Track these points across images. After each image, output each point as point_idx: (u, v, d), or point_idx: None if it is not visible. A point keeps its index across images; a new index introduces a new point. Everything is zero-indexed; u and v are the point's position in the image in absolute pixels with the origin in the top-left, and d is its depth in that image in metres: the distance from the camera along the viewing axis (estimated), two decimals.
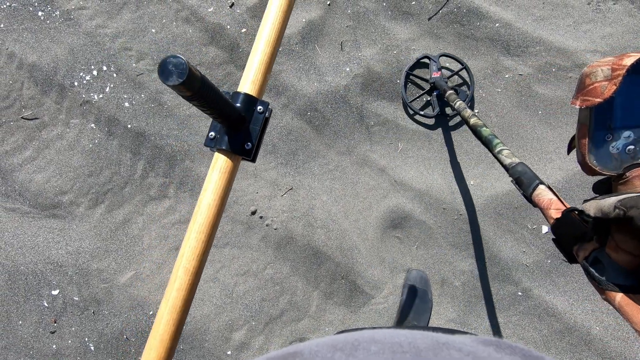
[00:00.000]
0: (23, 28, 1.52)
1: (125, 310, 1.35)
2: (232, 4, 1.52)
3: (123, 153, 1.45)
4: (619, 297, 0.38)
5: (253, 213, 1.41)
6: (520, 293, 1.35)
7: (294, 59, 1.49)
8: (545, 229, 1.38)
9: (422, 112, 1.44)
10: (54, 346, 1.33)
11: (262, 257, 1.38)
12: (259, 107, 0.47)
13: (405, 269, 1.37)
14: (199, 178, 1.43)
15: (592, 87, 0.43)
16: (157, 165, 1.44)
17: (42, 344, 1.33)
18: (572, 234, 0.46)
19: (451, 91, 1.18)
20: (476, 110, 1.46)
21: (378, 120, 1.47)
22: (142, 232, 1.41)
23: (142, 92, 1.48)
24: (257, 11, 1.52)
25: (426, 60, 1.47)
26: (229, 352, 1.32)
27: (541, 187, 0.57)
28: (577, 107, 0.45)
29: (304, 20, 1.51)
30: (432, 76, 1.42)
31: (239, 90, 0.47)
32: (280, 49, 1.39)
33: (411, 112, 1.46)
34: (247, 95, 0.47)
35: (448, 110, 1.46)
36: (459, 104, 1.06)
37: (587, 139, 0.45)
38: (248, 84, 0.47)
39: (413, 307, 1.25)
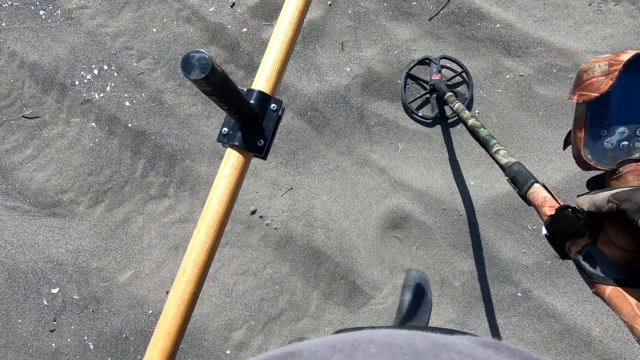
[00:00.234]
0: (24, 27, 1.53)
1: (125, 309, 1.35)
2: (233, 4, 1.52)
3: (123, 152, 1.45)
4: (609, 290, 0.39)
5: (253, 212, 1.41)
6: (520, 294, 1.34)
7: (294, 59, 1.49)
8: (545, 230, 1.38)
9: (420, 114, 1.44)
10: (54, 344, 1.34)
11: (262, 256, 1.38)
12: (272, 105, 0.48)
13: (404, 269, 1.37)
14: (199, 177, 1.44)
15: (589, 82, 0.44)
16: (158, 164, 1.44)
17: (41, 343, 1.34)
18: (566, 231, 0.47)
19: (450, 93, 1.19)
20: (476, 111, 1.46)
21: (378, 120, 1.47)
22: (142, 231, 1.41)
23: (142, 91, 1.48)
24: (258, 11, 1.52)
25: (427, 61, 1.47)
26: (228, 352, 1.32)
27: (536, 185, 0.58)
28: (574, 101, 0.45)
29: (304, 20, 1.51)
30: (432, 78, 1.42)
31: (252, 87, 0.48)
32: None
33: (410, 113, 1.46)
34: (261, 93, 0.47)
35: (448, 112, 1.46)
36: (457, 105, 1.07)
37: (582, 133, 0.46)
38: (262, 81, 0.48)
39: (412, 308, 1.25)
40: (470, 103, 1.46)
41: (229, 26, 1.51)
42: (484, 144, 0.80)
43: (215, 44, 1.50)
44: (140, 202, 1.42)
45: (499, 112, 1.45)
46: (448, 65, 1.47)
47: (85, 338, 1.34)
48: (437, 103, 1.44)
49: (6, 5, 1.54)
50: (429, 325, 1.25)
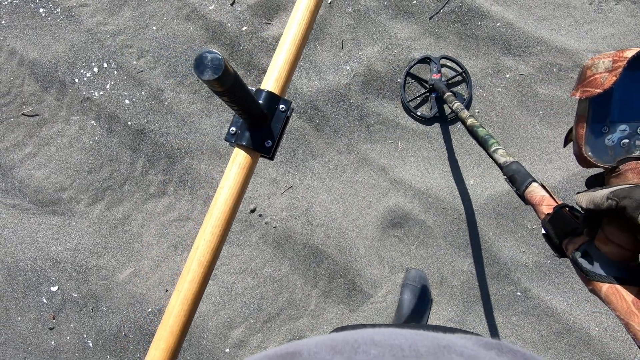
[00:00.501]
0: (24, 25, 1.52)
1: (124, 307, 1.35)
2: (233, 2, 1.52)
3: (123, 150, 1.45)
4: (605, 287, 0.39)
5: (252, 211, 1.41)
6: (519, 293, 1.34)
7: None
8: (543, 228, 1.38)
9: (419, 113, 1.44)
10: (53, 342, 1.34)
11: (261, 255, 1.38)
12: (281, 106, 0.47)
13: (404, 268, 1.37)
14: (199, 175, 1.44)
15: (592, 78, 0.44)
16: (157, 162, 1.44)
17: (40, 340, 1.34)
18: (563, 229, 0.46)
19: (449, 93, 1.19)
20: (476, 110, 1.46)
21: (378, 119, 1.46)
22: (142, 229, 1.41)
23: (142, 90, 1.48)
24: (258, 9, 1.52)
25: (427, 60, 1.47)
26: (227, 350, 1.32)
27: (534, 184, 0.58)
28: (577, 97, 0.45)
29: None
30: (432, 78, 1.42)
31: (262, 87, 0.47)
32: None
33: (409, 112, 1.46)
34: (270, 93, 0.47)
35: (447, 111, 1.45)
36: (456, 105, 1.07)
37: (584, 130, 0.46)
38: (271, 81, 0.47)
39: (412, 307, 1.25)
40: (470, 103, 1.46)
41: (229, 24, 1.51)
42: (483, 143, 0.80)
43: (215, 42, 1.50)
44: (140, 201, 1.42)
45: (499, 111, 1.45)
46: (448, 64, 1.47)
47: (85, 336, 1.34)
48: (436, 103, 1.44)
49: (6, 2, 1.54)
50: (428, 324, 1.25)
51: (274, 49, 1.53)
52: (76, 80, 1.49)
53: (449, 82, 1.45)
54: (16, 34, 1.52)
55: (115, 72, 1.49)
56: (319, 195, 1.43)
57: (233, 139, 0.47)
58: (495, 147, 0.75)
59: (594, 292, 0.40)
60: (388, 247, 1.39)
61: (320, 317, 1.35)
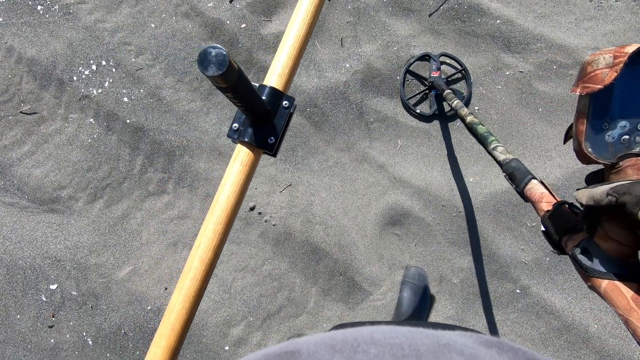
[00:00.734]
0: (22, 22, 1.52)
1: (124, 305, 1.35)
2: None
3: (122, 148, 1.44)
4: (604, 284, 0.38)
5: (252, 209, 1.41)
6: (518, 290, 1.34)
7: None
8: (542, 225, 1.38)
9: (418, 111, 1.44)
10: (52, 340, 1.34)
11: (261, 253, 1.38)
12: (284, 102, 0.47)
13: (403, 265, 1.37)
14: (198, 173, 1.43)
15: (593, 74, 0.43)
16: (156, 160, 1.44)
17: (40, 338, 1.34)
18: (562, 226, 0.46)
19: (449, 91, 1.19)
20: (476, 108, 1.45)
21: (377, 116, 1.46)
22: (141, 227, 1.41)
23: (141, 87, 1.48)
24: (257, 7, 1.51)
25: (427, 57, 1.47)
26: (226, 348, 1.32)
27: (533, 181, 0.58)
28: (578, 94, 0.45)
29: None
30: (431, 75, 1.41)
31: (264, 83, 0.47)
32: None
33: (408, 109, 1.45)
34: (273, 89, 0.46)
35: (446, 109, 1.45)
36: (456, 102, 1.07)
37: (584, 126, 0.45)
38: (275, 77, 0.47)
39: (411, 304, 1.25)
40: (469, 100, 1.45)
41: (228, 22, 1.50)
42: (482, 140, 0.80)
43: (214, 39, 1.50)
44: (139, 199, 1.42)
45: (499, 108, 1.45)
46: (448, 62, 1.47)
47: (84, 334, 1.34)
48: (435, 100, 1.44)
49: (3, 0, 1.53)
50: (428, 321, 1.25)
51: (273, 47, 1.53)
52: (74, 78, 1.48)
53: (449, 79, 1.45)
54: (14, 32, 1.51)
55: (114, 69, 1.49)
56: (319, 193, 1.42)
57: (236, 136, 0.47)
58: (495, 145, 0.75)
59: (594, 288, 0.40)
60: (387, 245, 1.39)
61: (319, 314, 1.35)
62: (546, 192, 0.55)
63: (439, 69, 1.42)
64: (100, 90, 1.48)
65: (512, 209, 1.39)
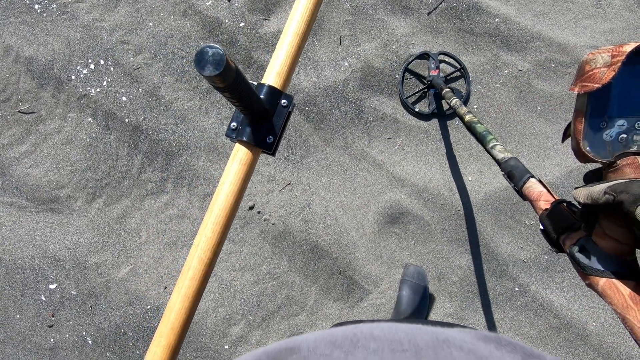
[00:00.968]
0: (20, 21, 1.51)
1: (123, 304, 1.35)
2: None
3: (120, 147, 1.44)
4: (602, 282, 0.39)
5: (251, 208, 1.41)
6: (517, 289, 1.35)
7: None
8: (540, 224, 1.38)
9: (417, 109, 1.44)
10: (52, 340, 1.34)
11: (260, 252, 1.38)
12: (283, 101, 0.46)
13: (402, 264, 1.37)
14: (197, 173, 1.43)
15: (591, 73, 0.43)
16: (155, 159, 1.44)
17: (39, 338, 1.34)
18: (561, 225, 0.47)
19: (447, 89, 1.19)
20: (475, 106, 1.45)
21: (376, 115, 1.46)
22: (140, 226, 1.40)
23: (139, 86, 1.47)
24: (255, 5, 1.51)
25: (426, 56, 1.47)
26: (226, 347, 1.33)
27: (532, 180, 0.58)
28: (576, 92, 0.45)
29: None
30: (430, 74, 1.41)
31: (263, 81, 0.46)
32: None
33: (407, 108, 1.45)
34: (271, 88, 0.46)
35: (446, 107, 1.45)
36: (454, 101, 1.07)
37: (582, 125, 0.46)
38: (273, 75, 0.46)
39: (410, 303, 1.25)
40: (468, 99, 1.45)
41: (226, 20, 1.50)
42: (481, 139, 0.80)
43: (212, 38, 1.49)
44: (138, 198, 1.42)
45: (498, 107, 1.45)
46: (447, 60, 1.47)
47: (84, 333, 1.34)
48: (434, 99, 1.44)
49: None
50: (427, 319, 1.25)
51: (272, 45, 1.53)
52: (73, 77, 1.48)
53: (448, 78, 1.45)
54: (11, 31, 1.50)
55: (112, 69, 1.48)
56: (318, 192, 1.42)
57: (234, 135, 0.47)
58: (494, 143, 0.75)
59: (591, 286, 0.41)
60: (386, 244, 1.39)
61: (319, 313, 1.35)
62: (544, 190, 0.55)
63: (437, 67, 1.42)
64: (98, 90, 1.47)
65: (511, 207, 1.39)
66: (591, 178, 0.48)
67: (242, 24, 1.50)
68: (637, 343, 0.35)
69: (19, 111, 1.46)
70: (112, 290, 1.36)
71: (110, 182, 1.43)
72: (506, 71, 1.45)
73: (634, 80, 0.43)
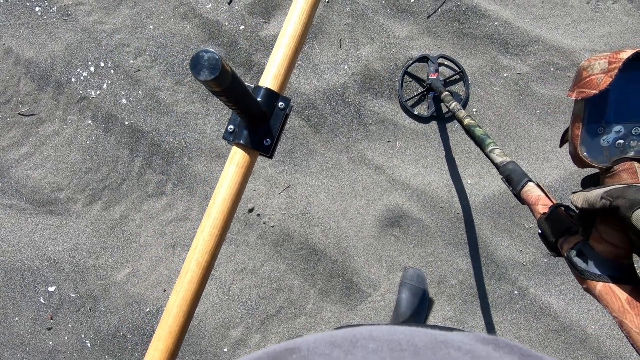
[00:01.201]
0: (20, 23, 1.51)
1: (122, 307, 1.35)
2: (231, 1, 1.52)
3: (120, 150, 1.44)
4: (599, 286, 0.39)
5: (250, 210, 1.41)
6: (516, 292, 1.35)
7: None
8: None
9: (416, 112, 1.44)
10: (50, 342, 1.33)
11: (259, 254, 1.38)
12: (280, 103, 0.46)
13: (402, 267, 1.37)
14: (197, 175, 1.43)
15: (588, 79, 0.44)
16: (155, 162, 1.44)
17: (38, 341, 1.33)
18: (558, 229, 0.47)
19: (446, 92, 1.19)
20: (474, 109, 1.46)
21: (376, 118, 1.46)
22: (139, 229, 1.40)
23: (139, 89, 1.48)
24: (255, 8, 1.51)
25: (425, 59, 1.47)
26: (225, 350, 1.32)
27: (530, 184, 0.59)
28: (573, 98, 0.46)
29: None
30: (429, 77, 1.42)
31: (260, 84, 0.46)
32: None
33: (406, 111, 1.46)
34: (268, 90, 0.46)
35: (445, 110, 1.46)
36: (453, 104, 1.07)
37: (580, 130, 0.46)
38: (270, 78, 0.46)
39: (410, 306, 1.25)
40: (467, 102, 1.46)
41: (227, 23, 1.50)
42: (479, 143, 0.81)
43: (212, 41, 1.50)
44: (137, 200, 1.42)
45: (497, 110, 1.45)
46: (446, 63, 1.47)
47: (83, 336, 1.34)
48: (433, 102, 1.44)
49: (1, 1, 1.53)
50: (426, 323, 1.25)
51: (272, 48, 1.53)
52: (73, 80, 1.48)
53: (447, 81, 1.45)
54: (12, 33, 1.51)
55: (112, 71, 1.49)
56: (317, 195, 1.43)
57: (231, 138, 0.47)
58: (492, 147, 0.75)
59: (589, 290, 0.41)
60: (386, 247, 1.39)
61: (318, 316, 1.35)
62: (542, 194, 0.55)
63: (437, 70, 1.43)
64: (98, 92, 1.48)
65: (510, 210, 1.39)
66: (589, 183, 0.48)
67: (242, 27, 1.50)
68: (634, 347, 0.35)
69: (19, 113, 1.46)
70: (111, 293, 1.36)
71: (110, 184, 1.43)
72: (505, 74, 1.46)
73: (631, 86, 0.44)
